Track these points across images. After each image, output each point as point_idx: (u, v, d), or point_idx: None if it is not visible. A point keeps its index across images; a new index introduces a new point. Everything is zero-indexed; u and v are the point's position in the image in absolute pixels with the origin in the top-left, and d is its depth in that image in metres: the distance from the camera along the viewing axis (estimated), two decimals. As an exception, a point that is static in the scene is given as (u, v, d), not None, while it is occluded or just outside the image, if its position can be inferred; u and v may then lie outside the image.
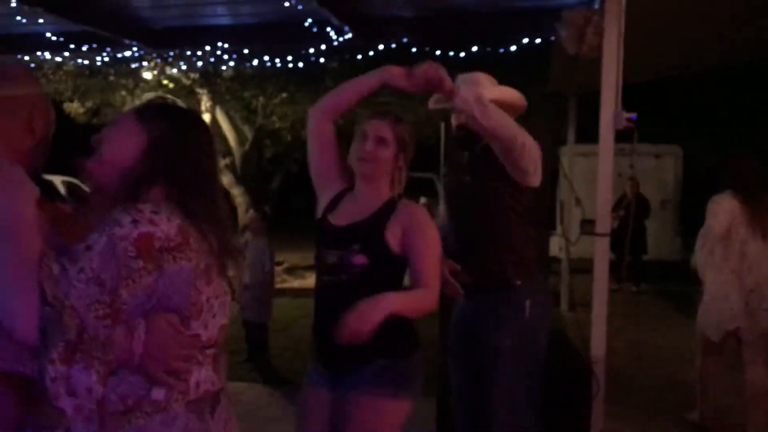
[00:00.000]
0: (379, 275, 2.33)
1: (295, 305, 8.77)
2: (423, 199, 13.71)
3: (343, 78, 8.06)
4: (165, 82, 8.28)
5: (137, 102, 8.50)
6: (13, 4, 4.58)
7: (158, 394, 1.51)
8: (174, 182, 1.57)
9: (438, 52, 6.34)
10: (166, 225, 1.48)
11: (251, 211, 6.47)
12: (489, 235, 2.98)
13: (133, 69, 7.60)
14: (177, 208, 1.53)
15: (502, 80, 3.12)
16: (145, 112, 1.66)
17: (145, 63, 7.00)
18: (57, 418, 1.47)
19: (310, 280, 11.05)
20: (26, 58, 6.37)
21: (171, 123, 1.64)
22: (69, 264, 1.44)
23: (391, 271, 2.38)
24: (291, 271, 11.22)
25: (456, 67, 3.13)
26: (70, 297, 1.41)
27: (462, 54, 6.34)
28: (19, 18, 4.95)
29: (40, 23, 5.15)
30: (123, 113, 1.78)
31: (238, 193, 10.80)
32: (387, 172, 2.44)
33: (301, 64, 6.71)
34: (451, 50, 6.34)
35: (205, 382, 1.59)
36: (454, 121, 3.10)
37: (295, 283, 10.67)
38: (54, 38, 5.50)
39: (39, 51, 6.00)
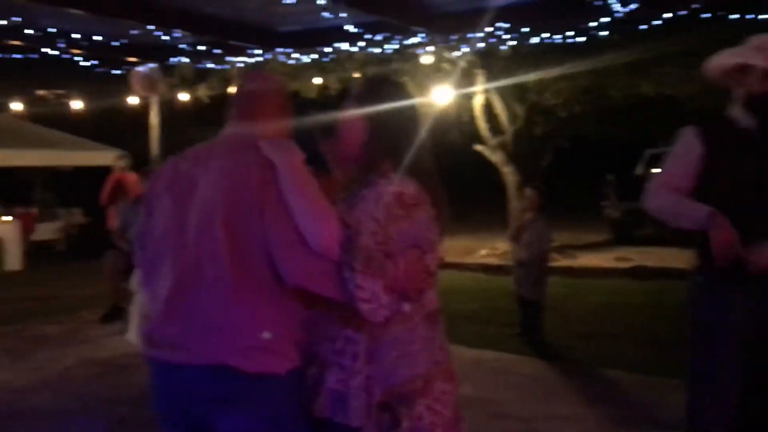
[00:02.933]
0: None
1: (565, 284, 8.71)
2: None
3: (624, 51, 7.65)
4: (443, 65, 8.62)
5: (417, 87, 8.96)
6: (320, 2, 5.11)
7: (406, 307, 1.99)
8: (396, 156, 2.04)
9: (734, 16, 5.80)
10: (409, 187, 1.97)
11: (528, 189, 6.46)
12: None
13: (414, 55, 8.02)
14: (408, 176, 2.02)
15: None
16: (364, 99, 2.12)
17: (430, 48, 7.34)
18: (336, 333, 1.99)
19: (580, 260, 10.92)
20: (327, 49, 7.07)
21: (392, 111, 2.08)
22: (349, 208, 1.97)
23: None
24: (561, 250, 11.10)
25: (753, 32, 2.86)
26: (360, 227, 1.92)
27: (762, 16, 5.74)
28: (324, 14, 5.50)
29: (342, 17, 5.67)
30: (349, 99, 2.15)
31: (508, 172, 10.87)
32: None
33: (581, 39, 6.57)
34: (749, 13, 5.77)
35: (432, 300, 2.08)
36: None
37: (565, 262, 10.55)
38: (353, 30, 6.01)
39: (338, 43, 6.60)
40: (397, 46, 6.80)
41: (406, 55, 7.67)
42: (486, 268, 10.40)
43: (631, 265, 10.09)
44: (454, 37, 6.92)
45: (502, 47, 6.91)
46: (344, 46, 6.90)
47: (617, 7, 5.36)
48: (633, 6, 5.40)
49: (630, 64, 8.45)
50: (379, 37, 6.09)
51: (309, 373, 2.02)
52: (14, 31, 7.04)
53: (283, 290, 1.96)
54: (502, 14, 5.82)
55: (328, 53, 7.46)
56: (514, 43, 6.81)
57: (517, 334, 6.29)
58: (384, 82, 2.38)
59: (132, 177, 9.09)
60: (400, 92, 2.17)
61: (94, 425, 4.36)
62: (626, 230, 12.49)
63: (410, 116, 2.15)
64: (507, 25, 5.95)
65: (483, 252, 11.42)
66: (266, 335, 1.94)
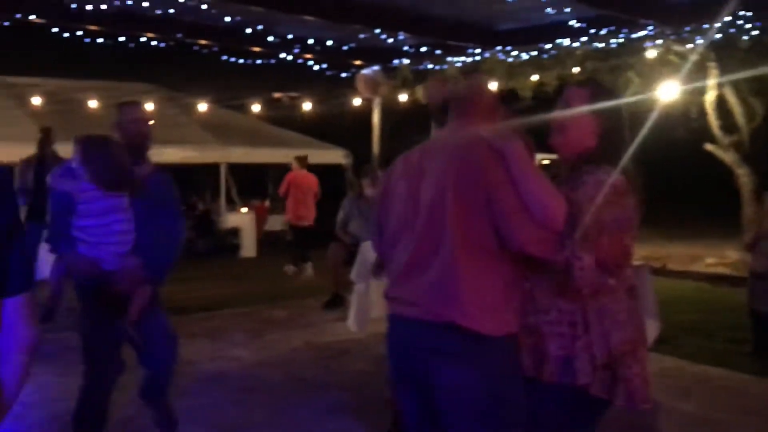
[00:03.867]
0: None
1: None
2: None
3: None
4: (670, 57, 8.07)
5: (641, 82, 8.49)
6: (544, -3, 5.01)
7: (611, 281, 2.21)
8: (616, 155, 2.29)
9: None
10: (620, 179, 2.22)
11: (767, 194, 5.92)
12: None
13: (639, 49, 7.59)
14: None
15: None
16: (596, 101, 2.32)
17: (658, 41, 6.90)
18: (548, 301, 2.25)
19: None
20: (547, 46, 6.93)
21: (614, 113, 2.35)
22: (571, 190, 2.24)
23: None
24: (804, 262, 9.95)
25: None
26: (581, 207, 2.17)
27: None
28: (548, 10, 5.40)
29: (566, 12, 5.53)
30: (573, 97, 2.36)
31: (743, 174, 9.96)
32: None
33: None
34: None
35: (630, 276, 2.32)
36: None
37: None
38: (576, 25, 5.84)
39: (560, 39, 6.44)
40: (622, 40, 6.47)
41: (631, 49, 7.28)
42: (712, 278, 9.62)
43: None
44: (688, 28, 6.44)
45: (743, 37, 6.28)
46: (566, 42, 6.71)
47: None
48: None
49: None
50: (603, 32, 5.83)
51: (528, 343, 2.27)
52: (258, 38, 7.75)
53: (505, 260, 2.21)
54: (745, 1, 5.30)
55: (548, 50, 7.30)
56: (757, 32, 6.16)
57: (748, 352, 5.78)
58: (611, 86, 2.62)
59: (302, 174, 10.19)
60: (621, 96, 2.41)
61: (312, 405, 4.66)
62: None
63: (627, 119, 2.40)
64: (750, 14, 5.41)
65: (710, 260, 10.59)
66: (488, 299, 2.19)
